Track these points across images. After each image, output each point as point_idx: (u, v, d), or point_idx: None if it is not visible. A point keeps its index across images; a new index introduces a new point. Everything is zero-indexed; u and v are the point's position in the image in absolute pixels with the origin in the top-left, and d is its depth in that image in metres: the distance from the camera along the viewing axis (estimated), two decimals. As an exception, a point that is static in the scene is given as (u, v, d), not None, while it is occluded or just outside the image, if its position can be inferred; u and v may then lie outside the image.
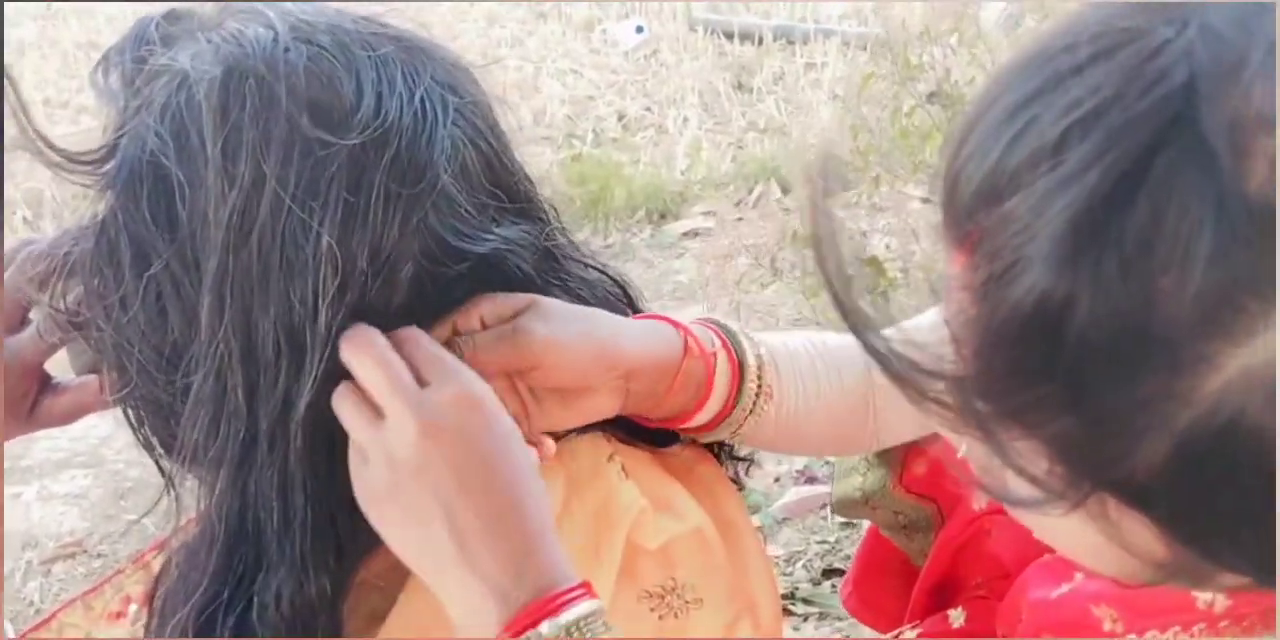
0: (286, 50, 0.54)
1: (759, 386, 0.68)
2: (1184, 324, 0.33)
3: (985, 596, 0.85)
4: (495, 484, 0.53)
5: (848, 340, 0.75)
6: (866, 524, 1.35)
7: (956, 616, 0.82)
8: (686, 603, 0.63)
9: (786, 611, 1.32)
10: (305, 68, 0.54)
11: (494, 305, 0.60)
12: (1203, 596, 0.50)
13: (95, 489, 1.67)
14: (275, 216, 0.53)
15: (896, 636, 0.83)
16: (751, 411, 0.67)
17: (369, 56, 0.56)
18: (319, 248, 0.53)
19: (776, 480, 1.53)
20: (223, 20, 0.57)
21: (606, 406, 0.63)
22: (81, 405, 0.67)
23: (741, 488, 0.75)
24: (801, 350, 0.74)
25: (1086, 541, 0.42)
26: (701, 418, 0.66)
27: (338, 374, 0.55)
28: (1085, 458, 0.38)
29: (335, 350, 0.55)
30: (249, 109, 0.53)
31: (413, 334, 0.56)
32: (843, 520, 1.45)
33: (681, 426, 0.68)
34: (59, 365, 0.67)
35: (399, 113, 0.55)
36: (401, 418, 0.52)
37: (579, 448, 0.64)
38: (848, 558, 1.39)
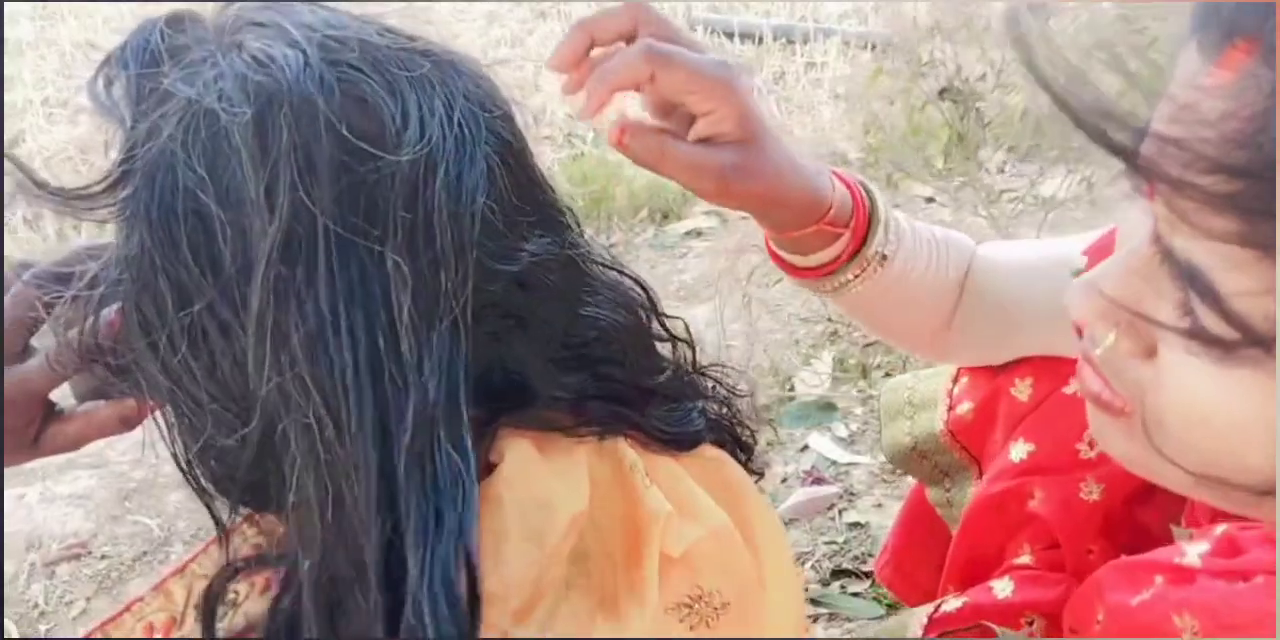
0: (321, 77, 0.52)
1: (880, 257, 0.72)
2: None
3: (1036, 568, 0.82)
4: None
5: (961, 238, 0.78)
6: (874, 524, 1.35)
7: (1002, 587, 0.80)
8: (715, 609, 0.62)
9: (796, 613, 1.32)
10: (342, 92, 0.52)
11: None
12: None
13: (99, 490, 1.66)
14: (328, 248, 0.51)
15: (938, 608, 0.82)
16: (860, 276, 0.72)
17: (407, 77, 0.54)
18: (384, 272, 0.52)
19: (784, 481, 1.53)
20: (240, 36, 0.54)
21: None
22: (87, 433, 0.65)
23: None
24: (924, 232, 0.77)
25: (1260, 418, 0.40)
26: (813, 259, 0.71)
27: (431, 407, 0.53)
28: None
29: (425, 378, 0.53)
30: (286, 142, 0.51)
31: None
32: (851, 521, 1.45)
33: (792, 264, 0.71)
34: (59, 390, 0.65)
35: (441, 135, 0.53)
36: None
37: (603, 453, 0.63)
38: (856, 559, 1.39)
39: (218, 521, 0.59)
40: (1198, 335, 0.40)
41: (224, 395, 0.55)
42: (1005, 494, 0.85)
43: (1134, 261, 0.44)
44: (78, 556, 1.54)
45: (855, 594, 1.32)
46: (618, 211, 2.50)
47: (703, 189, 0.61)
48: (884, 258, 0.71)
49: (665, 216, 2.50)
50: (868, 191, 0.71)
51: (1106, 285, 0.45)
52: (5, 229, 2.26)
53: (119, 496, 1.65)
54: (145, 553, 1.54)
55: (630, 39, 0.60)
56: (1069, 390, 0.84)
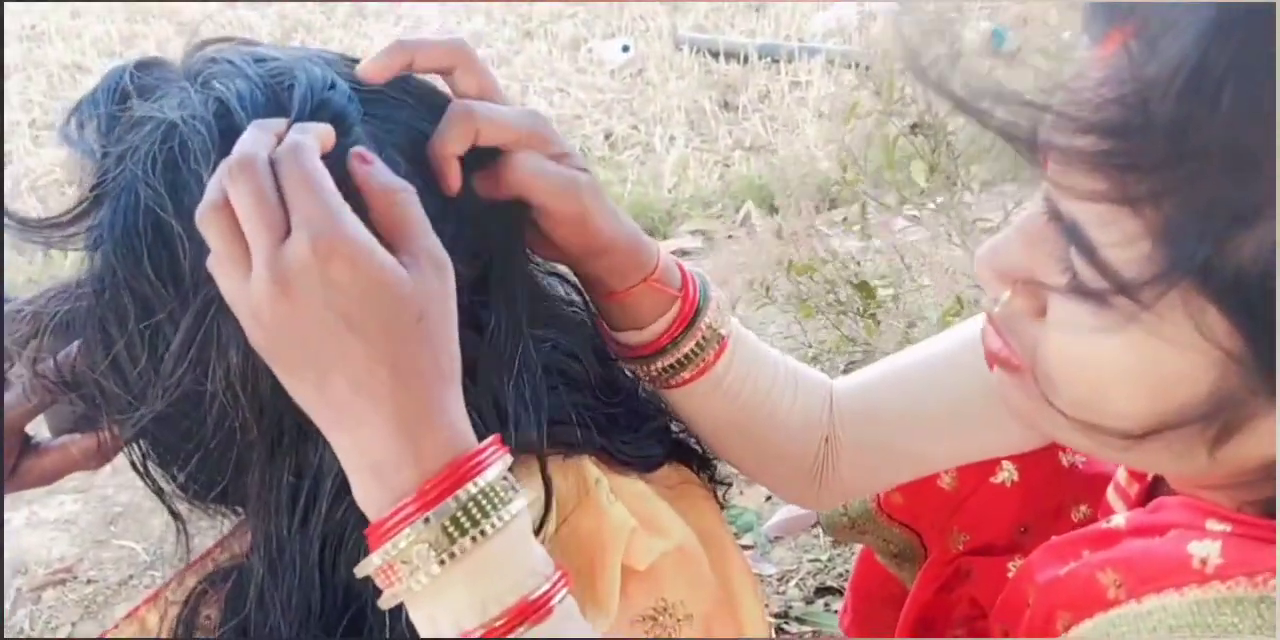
0: (275, 105, 0.55)
1: (718, 336, 0.71)
2: None
3: (966, 636, 0.86)
4: (370, 344, 0.49)
5: (815, 374, 0.77)
6: (857, 544, 1.36)
7: None
8: (678, 621, 0.64)
9: (780, 630, 1.32)
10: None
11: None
12: (1197, 554, 0.51)
13: (85, 514, 1.66)
14: None
15: None
16: (698, 354, 0.70)
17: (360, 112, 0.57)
18: None
19: (769, 498, 1.54)
20: (203, 73, 0.57)
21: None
22: (63, 466, 0.66)
23: (723, 507, 0.76)
24: (770, 351, 0.76)
25: (1128, 368, 0.46)
26: (650, 330, 0.69)
27: None
28: (1202, 230, 0.40)
29: None
30: None
31: (293, 148, 0.51)
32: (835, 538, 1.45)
33: (630, 344, 0.70)
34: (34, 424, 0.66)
35: (388, 157, 0.56)
36: (258, 273, 0.49)
37: (566, 471, 0.64)
38: (840, 576, 1.39)
39: (175, 515, 0.61)
40: (1075, 289, 0.46)
41: (181, 402, 0.56)
42: (947, 575, 0.92)
43: (1028, 225, 0.49)
44: (63, 582, 1.54)
45: (839, 611, 1.32)
46: (603, 231, 2.51)
47: (566, 211, 0.61)
48: (721, 338, 0.70)
49: (650, 235, 2.51)
50: (700, 275, 0.72)
51: (1004, 248, 0.50)
52: None
53: (104, 521, 1.65)
54: (131, 577, 1.54)
55: (445, 73, 0.61)
56: (996, 479, 0.89)
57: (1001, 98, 0.44)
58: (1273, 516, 0.50)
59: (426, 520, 0.49)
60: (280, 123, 0.52)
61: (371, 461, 0.51)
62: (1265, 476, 0.48)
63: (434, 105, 0.60)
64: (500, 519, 0.50)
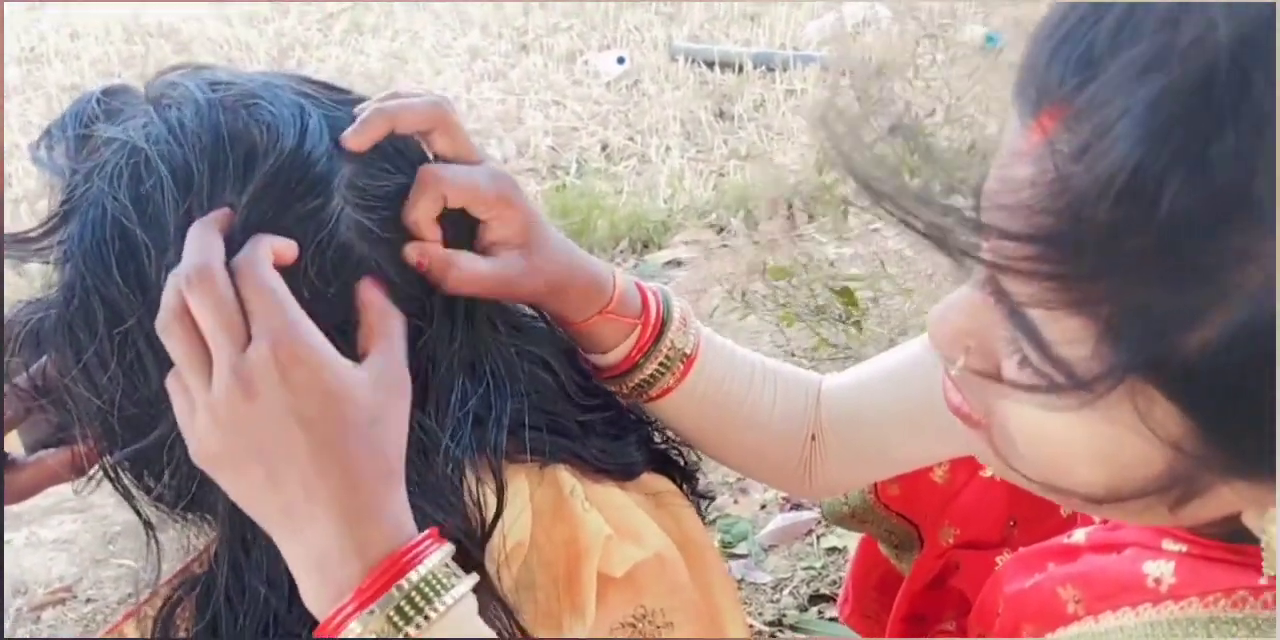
0: (226, 119, 0.57)
1: (681, 355, 0.72)
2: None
3: (952, 631, 0.87)
4: (323, 445, 0.52)
5: (799, 373, 0.78)
6: (851, 549, 1.36)
7: None
8: (659, 628, 0.64)
9: (773, 638, 1.32)
10: (243, 133, 0.57)
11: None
12: (1151, 574, 0.52)
13: (84, 534, 1.66)
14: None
15: None
16: (663, 374, 0.71)
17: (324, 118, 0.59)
18: (296, 284, 0.56)
19: (763, 507, 1.54)
20: (164, 96, 0.59)
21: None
22: (40, 481, 0.66)
23: (704, 520, 0.76)
24: (751, 356, 0.77)
25: (1085, 445, 0.44)
26: (613, 355, 0.71)
27: None
28: (1144, 331, 0.38)
29: None
30: (206, 176, 0.56)
31: (251, 260, 0.54)
32: (829, 546, 1.45)
33: (599, 365, 0.71)
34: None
35: (338, 163, 0.58)
36: (220, 374, 0.52)
37: (542, 480, 0.65)
38: (834, 583, 1.39)
39: (146, 523, 0.63)
40: (1024, 379, 0.43)
41: (152, 406, 0.58)
42: (938, 568, 0.93)
43: (978, 296, 0.46)
44: (63, 601, 1.54)
45: (833, 619, 1.32)
46: (599, 242, 2.52)
47: (495, 294, 0.64)
48: (685, 356, 0.71)
49: (646, 246, 2.52)
50: (665, 295, 0.73)
51: (955, 316, 0.48)
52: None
53: (103, 540, 1.65)
54: (131, 596, 1.55)
55: (425, 134, 0.63)
56: (987, 473, 0.89)
57: (925, 200, 0.41)
58: (1230, 540, 0.51)
59: (371, 612, 0.51)
60: (223, 213, 0.55)
61: (318, 555, 0.53)
62: (1229, 518, 0.47)
63: (404, 149, 0.62)
64: (437, 608, 0.52)
